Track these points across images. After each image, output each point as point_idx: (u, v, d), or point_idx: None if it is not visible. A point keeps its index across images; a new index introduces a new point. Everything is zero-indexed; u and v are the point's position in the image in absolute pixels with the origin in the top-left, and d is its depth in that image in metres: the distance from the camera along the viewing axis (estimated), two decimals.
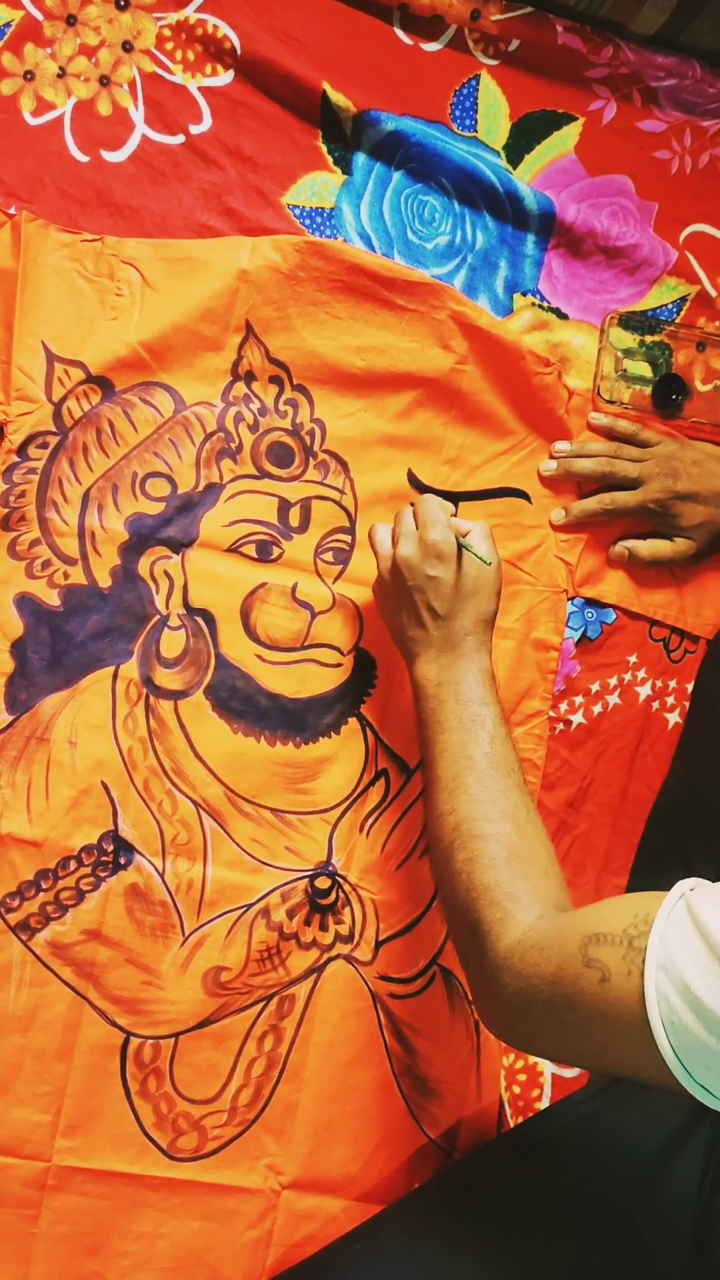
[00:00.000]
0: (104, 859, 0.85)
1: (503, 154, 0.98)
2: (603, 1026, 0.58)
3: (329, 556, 0.92)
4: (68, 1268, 0.83)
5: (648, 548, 0.97)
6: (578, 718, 0.98)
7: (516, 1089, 0.94)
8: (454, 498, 0.94)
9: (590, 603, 0.98)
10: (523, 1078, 0.95)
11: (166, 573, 0.88)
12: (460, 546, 0.81)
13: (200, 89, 0.92)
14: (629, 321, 1.00)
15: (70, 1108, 0.83)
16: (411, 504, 0.86)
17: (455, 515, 0.86)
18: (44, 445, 0.87)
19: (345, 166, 0.95)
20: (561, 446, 0.96)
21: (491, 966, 0.66)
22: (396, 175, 0.96)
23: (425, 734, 0.79)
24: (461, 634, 0.80)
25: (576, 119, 1.00)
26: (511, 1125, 0.93)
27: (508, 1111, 0.94)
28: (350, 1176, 0.88)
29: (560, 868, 0.72)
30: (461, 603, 0.81)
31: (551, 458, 0.96)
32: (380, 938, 0.90)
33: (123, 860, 0.86)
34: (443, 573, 0.80)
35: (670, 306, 1.02)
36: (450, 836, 0.73)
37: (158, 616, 0.88)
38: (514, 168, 0.99)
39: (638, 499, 0.95)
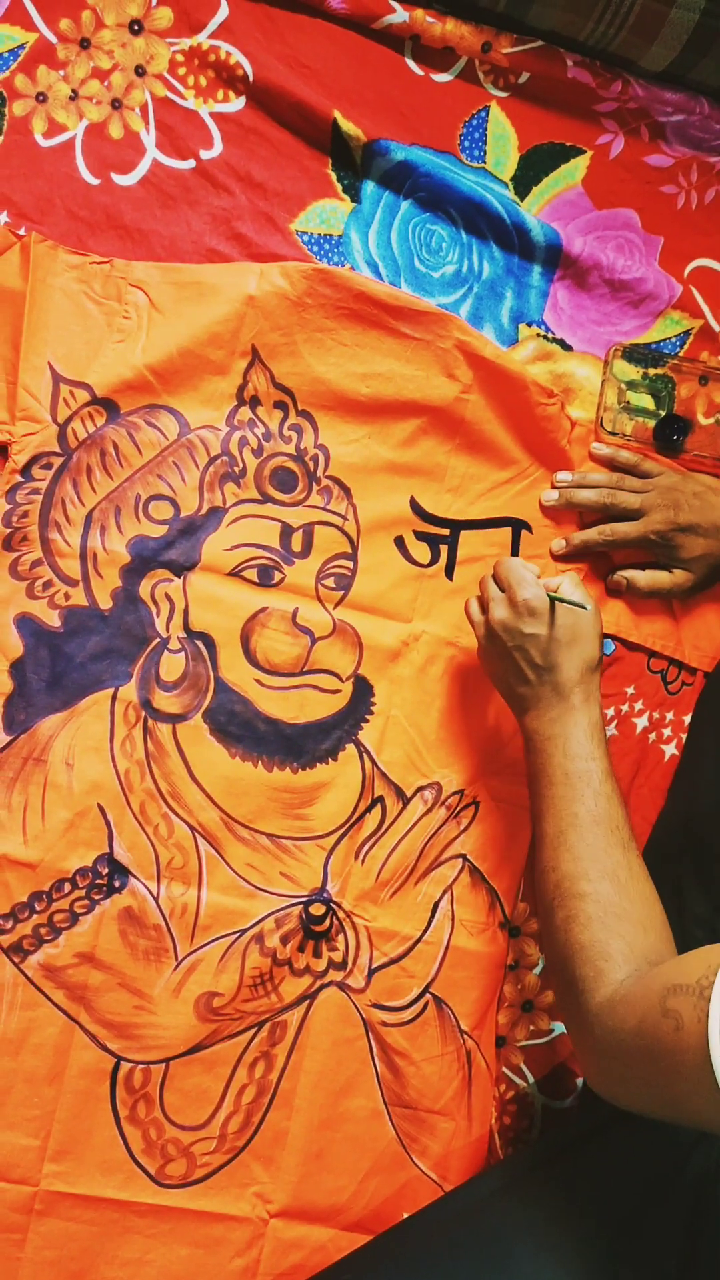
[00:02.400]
0: (99, 881, 0.85)
1: (510, 185, 0.99)
2: (677, 1076, 0.59)
3: (330, 582, 0.92)
4: None
5: (646, 578, 0.97)
6: None
7: (508, 1120, 0.94)
8: (455, 526, 0.95)
9: None
10: (514, 1108, 0.94)
11: (167, 595, 0.88)
12: (552, 600, 0.82)
13: (212, 114, 0.92)
14: (633, 354, 1.00)
15: (59, 1132, 0.83)
16: (495, 568, 0.86)
17: (540, 575, 0.86)
18: (48, 466, 0.87)
19: (354, 194, 0.95)
20: (563, 477, 0.97)
21: (585, 1022, 0.68)
22: (405, 204, 0.96)
23: (533, 787, 0.81)
24: (569, 686, 0.81)
25: (584, 152, 1.00)
26: (502, 1156, 0.93)
27: (498, 1142, 0.93)
28: (339, 1206, 0.88)
29: (664, 917, 0.73)
30: (563, 653, 0.81)
31: (553, 487, 0.97)
32: (373, 965, 0.90)
33: (117, 883, 0.85)
34: (539, 628, 0.81)
35: (674, 340, 1.03)
36: (552, 893, 0.75)
37: (158, 639, 0.88)
38: (521, 199, 0.99)
39: (639, 530, 0.95)
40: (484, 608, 0.86)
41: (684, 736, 1.01)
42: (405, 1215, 0.87)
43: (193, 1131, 0.86)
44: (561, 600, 0.82)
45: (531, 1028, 0.95)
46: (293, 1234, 0.87)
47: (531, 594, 0.82)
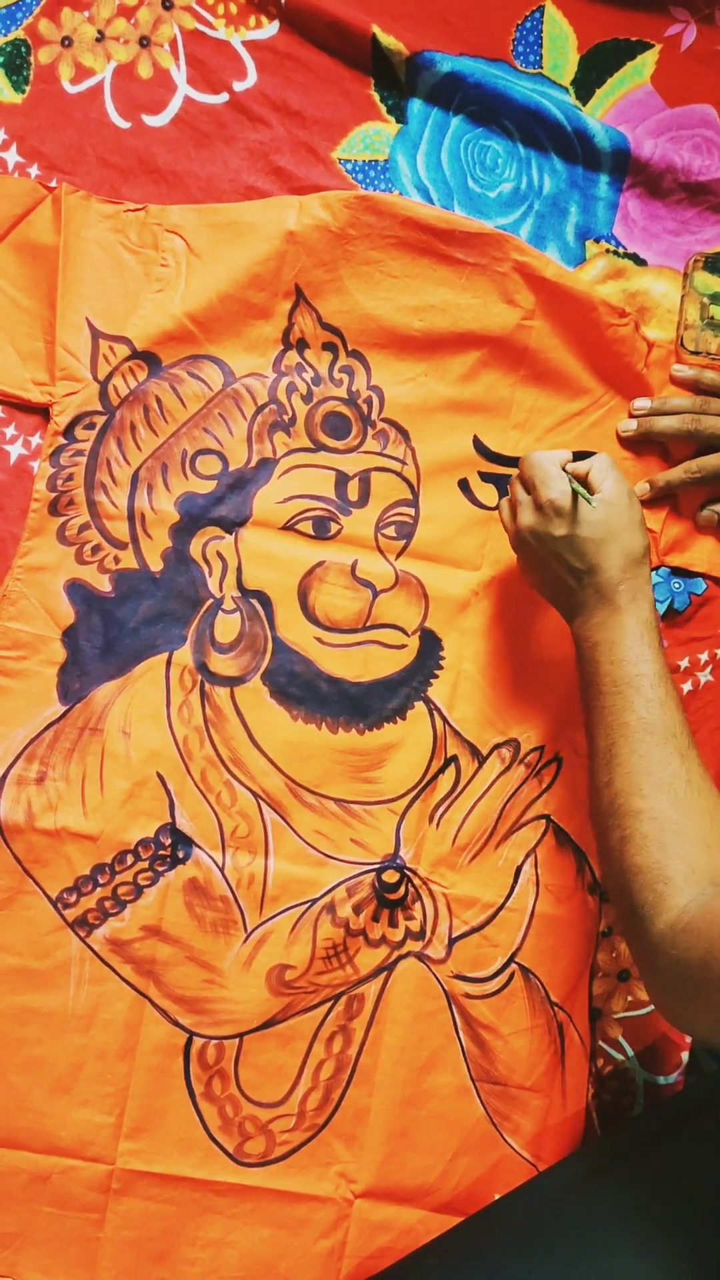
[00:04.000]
0: (161, 853, 0.82)
1: (571, 90, 0.91)
2: None
3: (391, 531, 0.86)
4: (135, 1274, 0.80)
5: None
6: None
7: (607, 1097, 0.88)
8: None
9: (677, 572, 0.91)
10: (614, 1084, 0.88)
11: (219, 554, 0.85)
12: (576, 495, 0.75)
13: (244, 43, 0.87)
14: (716, 264, 0.92)
15: (134, 1109, 0.81)
16: (520, 465, 0.80)
17: (571, 459, 0.79)
18: (91, 426, 0.84)
19: (400, 115, 0.89)
20: (641, 404, 0.89)
21: (648, 949, 0.65)
22: (455, 120, 0.89)
23: (584, 699, 0.75)
24: (612, 586, 0.74)
25: (652, 46, 0.92)
26: (601, 1135, 0.87)
27: (596, 1120, 0.87)
28: (427, 1186, 0.84)
29: None
30: (600, 550, 0.74)
31: (631, 417, 0.89)
32: (454, 934, 0.85)
33: (181, 854, 0.82)
34: (568, 529, 0.75)
35: None
36: (606, 812, 0.70)
37: (211, 600, 0.84)
38: (583, 104, 0.91)
39: None
40: (514, 512, 0.79)
41: None
42: (498, 1196, 0.83)
43: (270, 1109, 0.83)
44: (581, 494, 0.74)
45: (629, 998, 0.89)
46: (380, 1215, 0.83)
47: (556, 492, 0.75)
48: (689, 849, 0.66)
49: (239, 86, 0.87)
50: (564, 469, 0.78)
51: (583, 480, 0.77)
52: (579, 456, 0.80)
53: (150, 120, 0.87)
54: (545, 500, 0.75)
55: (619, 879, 0.68)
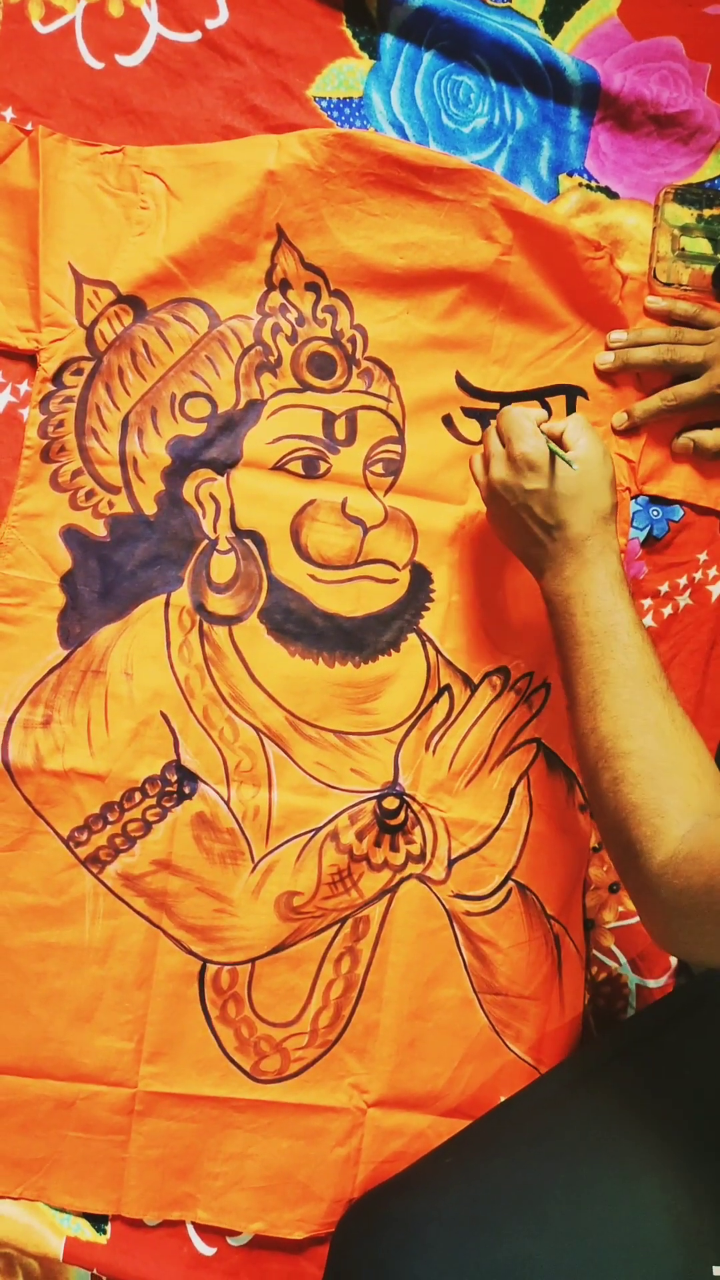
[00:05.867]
0: (168, 789, 0.85)
1: (540, 23, 0.92)
2: None
3: (379, 468, 0.88)
4: (161, 1190, 0.84)
5: (714, 436, 0.91)
6: (647, 621, 0.94)
7: (601, 1002, 0.93)
8: (505, 398, 0.90)
9: (655, 500, 0.94)
10: (608, 990, 0.93)
11: (212, 495, 0.86)
12: (552, 452, 0.77)
13: None
14: (685, 195, 0.93)
15: (153, 1034, 0.84)
16: (497, 419, 0.81)
17: (549, 418, 0.81)
18: (79, 371, 0.84)
19: (372, 51, 0.89)
20: (617, 336, 0.91)
21: (647, 884, 0.66)
22: (427, 56, 0.90)
23: (560, 650, 0.77)
24: (580, 540, 0.76)
25: None
26: (597, 1037, 0.92)
27: (593, 1024, 0.92)
28: (436, 1093, 0.88)
29: (715, 765, 0.70)
30: (570, 507, 0.76)
31: (608, 349, 0.91)
32: (453, 856, 0.89)
33: (187, 790, 0.85)
34: (541, 483, 0.77)
35: None
36: (594, 756, 0.71)
37: (206, 541, 0.86)
38: (553, 37, 0.92)
39: (704, 387, 0.90)
40: (486, 465, 0.81)
41: None
42: (503, 1099, 0.87)
43: (284, 1028, 0.86)
44: (556, 453, 0.76)
45: (620, 909, 0.93)
46: (392, 1122, 0.87)
47: (530, 446, 0.77)
48: (681, 783, 0.68)
49: (211, 24, 0.87)
50: (539, 428, 0.79)
51: (557, 439, 0.79)
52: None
53: (123, 60, 0.86)
54: (519, 453, 0.77)
55: (613, 817, 0.69)
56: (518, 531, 0.80)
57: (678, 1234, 0.69)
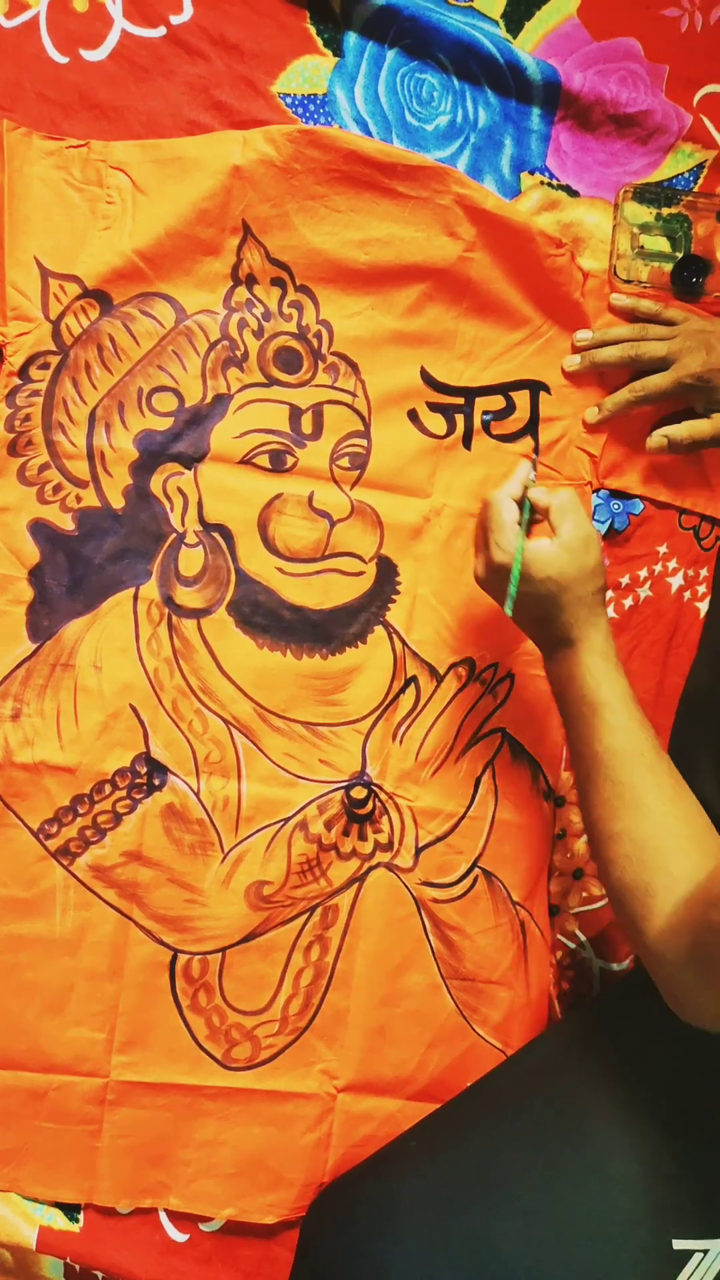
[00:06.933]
0: (138, 781, 0.85)
1: (501, 23, 0.93)
2: None
3: (345, 462, 0.89)
4: (134, 1178, 0.84)
5: (685, 430, 0.92)
6: (609, 613, 0.95)
7: (567, 985, 0.95)
8: (469, 393, 0.91)
9: (616, 494, 0.95)
10: (572, 973, 0.95)
11: (180, 489, 0.86)
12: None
13: None
14: (644, 194, 0.95)
15: (124, 1025, 0.85)
16: (481, 509, 0.82)
17: (535, 478, 0.82)
18: (45, 365, 0.85)
19: (336, 48, 0.90)
20: (583, 336, 0.92)
21: (648, 956, 0.69)
22: (390, 54, 0.91)
23: (565, 728, 0.80)
24: (566, 628, 0.78)
25: None
26: (562, 1020, 0.94)
27: (558, 1007, 0.94)
28: (404, 1077, 0.89)
29: (704, 822, 0.72)
30: (553, 601, 0.78)
31: (574, 351, 0.93)
32: (420, 844, 0.90)
33: (157, 781, 0.85)
34: (517, 591, 0.78)
35: (687, 175, 0.97)
36: (592, 837, 0.75)
37: (174, 535, 0.86)
38: (514, 37, 0.93)
39: (670, 379, 0.91)
40: (476, 554, 0.82)
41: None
42: (470, 1083, 0.88)
43: (254, 1016, 0.87)
44: (512, 585, 0.77)
45: (584, 894, 0.95)
46: (361, 1107, 0.88)
47: (504, 554, 0.78)
48: (666, 861, 0.70)
49: (175, 20, 0.87)
50: (527, 493, 0.81)
51: (545, 511, 0.80)
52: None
53: (88, 55, 0.87)
54: (496, 562, 0.79)
55: (613, 895, 0.72)
56: (519, 625, 0.82)
57: (645, 1209, 0.71)
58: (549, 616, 0.78)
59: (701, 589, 0.98)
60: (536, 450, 0.92)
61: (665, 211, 0.95)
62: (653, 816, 0.71)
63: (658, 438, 0.93)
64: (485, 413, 0.92)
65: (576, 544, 0.78)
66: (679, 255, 0.96)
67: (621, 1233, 0.71)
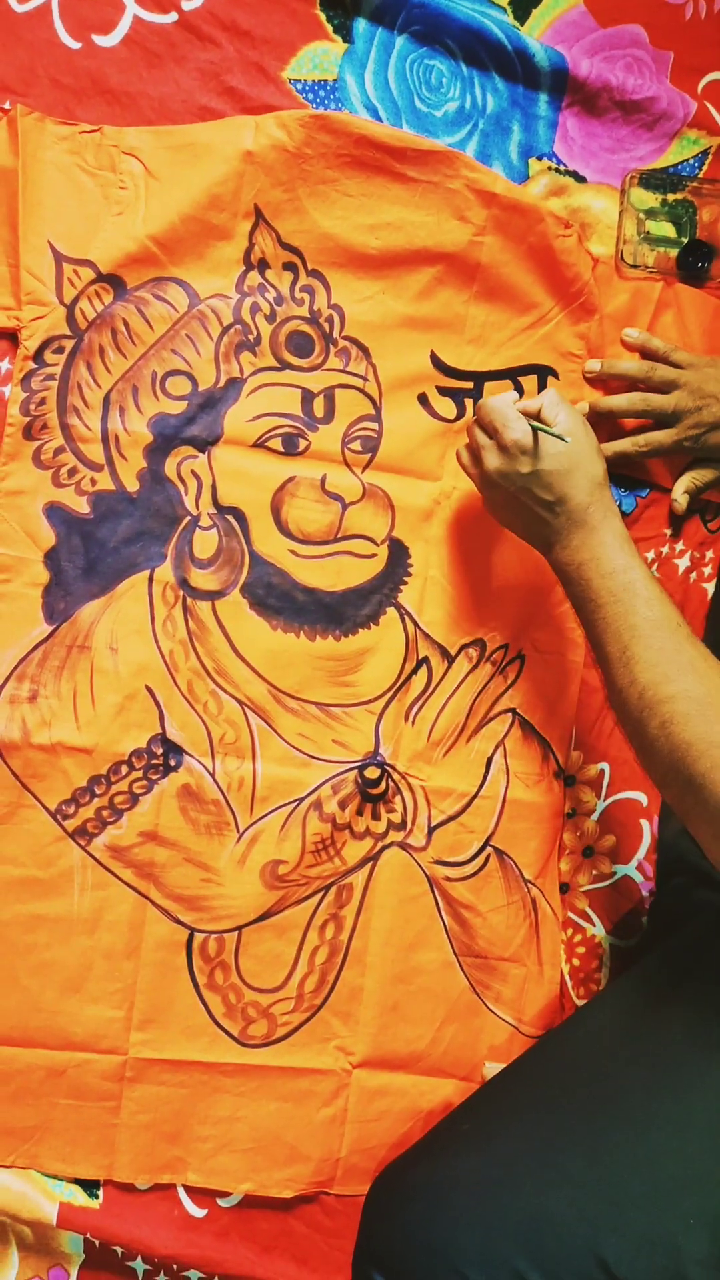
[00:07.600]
0: (154, 762, 0.86)
1: (509, 10, 0.94)
2: None
3: (356, 445, 0.90)
4: (151, 1154, 0.85)
5: (703, 477, 0.95)
6: None
7: (576, 961, 0.96)
8: (479, 378, 0.92)
9: (622, 479, 0.96)
10: (582, 950, 0.96)
11: (194, 472, 0.87)
12: (536, 431, 0.79)
13: None
14: (650, 180, 0.96)
15: (142, 1003, 0.85)
16: (477, 412, 0.83)
17: (520, 398, 0.83)
18: (60, 350, 0.85)
19: (346, 34, 0.91)
20: (592, 365, 0.94)
21: (714, 815, 0.67)
22: (400, 40, 0.91)
23: (583, 615, 0.79)
24: (583, 509, 0.78)
25: None
26: (574, 997, 0.95)
27: (569, 984, 0.95)
28: (418, 1053, 0.90)
29: None
30: (568, 480, 0.79)
31: (585, 376, 0.94)
32: (433, 823, 0.91)
33: (172, 762, 0.86)
34: (535, 464, 0.79)
35: (692, 161, 0.98)
36: (637, 707, 0.73)
37: (188, 517, 0.87)
38: (521, 24, 0.94)
39: (673, 437, 0.92)
40: (475, 457, 0.83)
41: None
42: (484, 1056, 0.90)
43: (270, 994, 0.88)
44: (541, 430, 0.79)
45: (594, 872, 0.96)
46: (376, 1082, 0.89)
47: (519, 432, 0.79)
48: None
49: (187, 6, 0.88)
50: (514, 406, 0.81)
51: (535, 416, 0.81)
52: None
53: (100, 40, 0.87)
54: (510, 441, 0.79)
55: (669, 759, 0.70)
56: (520, 514, 0.82)
57: (690, 1176, 0.71)
58: (563, 498, 0.79)
59: (708, 570, 0.99)
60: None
61: (670, 197, 0.97)
62: (706, 677, 0.71)
63: (681, 497, 0.96)
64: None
65: (577, 428, 0.80)
66: (684, 240, 0.97)
67: (671, 1200, 0.71)
